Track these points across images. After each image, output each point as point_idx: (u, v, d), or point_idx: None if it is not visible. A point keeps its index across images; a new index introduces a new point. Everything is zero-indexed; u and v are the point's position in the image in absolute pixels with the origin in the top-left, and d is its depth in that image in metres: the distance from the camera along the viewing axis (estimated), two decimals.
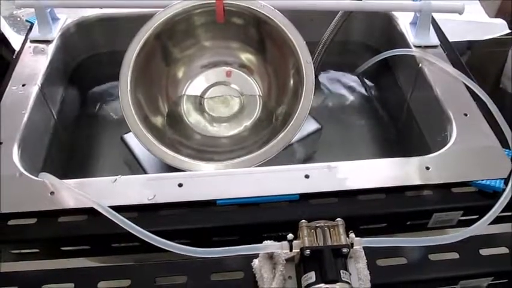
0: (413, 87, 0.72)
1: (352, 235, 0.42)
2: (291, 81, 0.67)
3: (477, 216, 0.54)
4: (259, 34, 0.69)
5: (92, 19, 0.76)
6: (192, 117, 0.73)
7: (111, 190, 0.51)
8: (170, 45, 0.70)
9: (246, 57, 0.73)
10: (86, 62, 0.80)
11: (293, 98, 0.66)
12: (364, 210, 0.52)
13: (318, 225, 0.41)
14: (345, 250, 0.40)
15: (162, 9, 0.66)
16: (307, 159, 0.77)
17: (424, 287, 0.48)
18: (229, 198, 0.51)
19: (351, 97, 0.84)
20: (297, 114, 0.62)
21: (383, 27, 0.80)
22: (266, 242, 0.43)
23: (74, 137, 0.76)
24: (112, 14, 0.77)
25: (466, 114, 0.61)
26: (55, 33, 0.72)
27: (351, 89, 0.84)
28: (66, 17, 0.75)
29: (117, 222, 0.47)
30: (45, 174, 0.53)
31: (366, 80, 0.84)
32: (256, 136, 0.69)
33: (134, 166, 0.70)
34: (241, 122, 0.72)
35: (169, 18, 0.65)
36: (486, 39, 0.97)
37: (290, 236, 0.42)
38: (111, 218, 0.47)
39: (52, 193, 0.51)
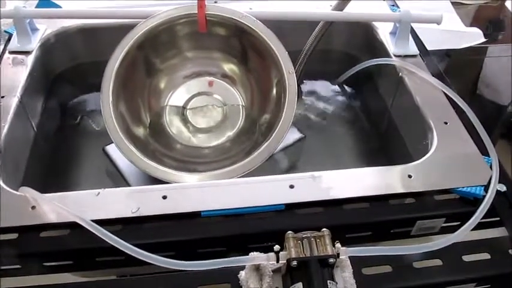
0: (394, 96, 0.74)
1: (338, 245, 0.42)
2: (274, 92, 0.67)
3: (459, 223, 0.55)
4: (241, 44, 0.70)
5: (72, 29, 0.75)
6: (175, 128, 0.72)
7: (94, 203, 0.51)
8: (152, 56, 0.69)
9: (229, 67, 0.73)
10: (66, 72, 0.79)
11: (276, 108, 0.66)
12: (349, 219, 0.52)
13: (304, 236, 0.41)
14: (331, 260, 0.40)
15: (144, 19, 0.66)
16: (291, 169, 0.78)
17: None
18: (214, 210, 0.51)
19: (332, 106, 0.85)
20: (280, 124, 0.62)
21: (364, 37, 0.81)
22: (253, 254, 0.43)
23: (54, 149, 0.75)
24: (92, 24, 0.76)
25: (446, 123, 0.63)
26: (34, 44, 0.71)
27: (332, 97, 0.85)
28: (46, 28, 0.74)
29: (101, 236, 0.46)
30: (26, 188, 0.51)
31: (347, 89, 0.85)
32: (240, 146, 0.69)
33: (117, 178, 0.69)
34: (225, 132, 0.72)
35: (151, 28, 0.65)
36: (463, 48, 1.00)
37: (277, 247, 0.42)
38: (94, 232, 0.46)
39: (33, 207, 0.50)
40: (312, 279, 0.38)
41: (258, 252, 0.44)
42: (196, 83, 0.74)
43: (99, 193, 0.51)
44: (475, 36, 1.02)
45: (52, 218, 0.49)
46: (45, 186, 0.69)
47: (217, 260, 0.43)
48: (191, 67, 0.72)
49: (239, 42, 0.70)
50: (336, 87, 0.84)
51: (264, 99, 0.70)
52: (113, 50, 0.65)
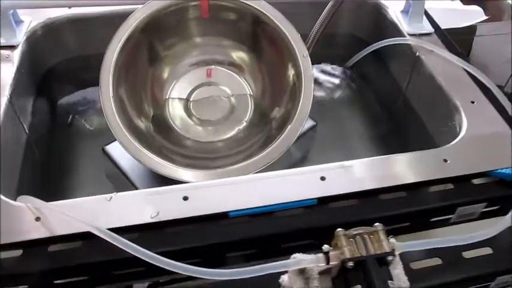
0: (410, 77, 0.70)
1: (392, 240, 0.38)
2: (288, 78, 0.62)
3: (498, 207, 0.52)
4: (252, 29, 0.64)
5: (61, 20, 0.69)
6: (180, 122, 0.67)
7: (107, 210, 0.45)
8: (156, 42, 0.63)
9: (238, 55, 0.68)
10: (56, 68, 0.72)
11: (291, 96, 0.61)
12: (387, 210, 0.48)
13: (356, 232, 0.37)
14: (389, 258, 0.36)
15: (140, 5, 0.60)
16: (303, 159, 0.73)
17: (461, 286, 0.45)
18: (243, 209, 0.46)
19: (341, 91, 0.81)
20: (298, 111, 0.58)
21: (372, 18, 0.77)
22: (297, 256, 0.38)
23: (48, 152, 0.69)
24: (82, 14, 0.69)
25: (473, 102, 0.59)
26: (20, 38, 0.64)
27: (342, 82, 0.81)
28: (31, 19, 0.67)
29: (119, 246, 0.41)
30: (26, 197, 0.45)
31: (356, 73, 0.81)
32: (251, 139, 0.64)
33: (119, 180, 0.63)
34: (233, 124, 0.67)
35: (156, 10, 0.59)
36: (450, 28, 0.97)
37: (326, 247, 0.37)
38: (111, 241, 0.41)
39: (38, 219, 0.44)
40: (372, 281, 0.34)
41: (301, 254, 0.39)
42: (201, 72, 0.68)
43: (111, 198, 0.46)
44: (475, 15, 0.99)
45: (61, 229, 0.43)
46: (42, 194, 0.63)
47: (259, 266, 0.38)
48: (197, 55, 0.67)
49: (250, 27, 0.64)
50: (345, 71, 0.80)
51: (277, 88, 0.65)
52: (107, 41, 0.58)
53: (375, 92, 0.80)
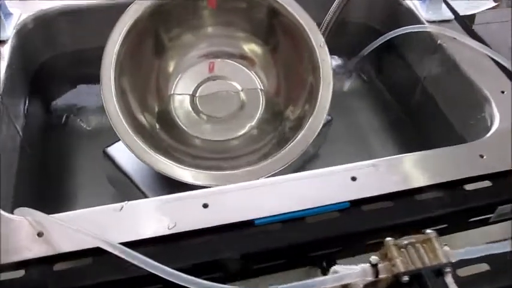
0: (430, 66, 0.66)
1: (446, 248, 0.34)
2: (304, 72, 0.58)
3: None
4: (264, 19, 0.60)
5: (53, 12, 0.63)
6: (187, 119, 0.62)
7: (118, 221, 0.40)
8: (161, 32, 0.58)
9: (250, 47, 0.63)
10: (49, 63, 0.67)
11: (308, 89, 0.57)
12: (424, 212, 0.44)
13: (407, 242, 0.33)
14: (447, 270, 0.32)
15: None
16: (315, 156, 0.69)
17: None
18: (270, 216, 0.41)
19: (355, 83, 0.77)
20: (317, 105, 0.53)
21: (385, 6, 0.73)
22: (338, 269, 0.34)
23: (44, 156, 0.64)
24: (76, 5, 0.64)
25: (503, 92, 0.55)
26: (9, 32, 0.58)
27: (355, 74, 0.77)
28: (21, 12, 0.61)
29: (134, 262, 0.36)
30: (25, 210, 0.40)
31: (369, 64, 0.77)
32: (265, 137, 0.60)
33: (122, 183, 0.58)
34: (244, 121, 0.62)
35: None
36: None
37: (374, 258, 0.33)
38: (125, 257, 0.36)
39: (40, 234, 0.39)
40: None
41: (342, 266, 0.35)
42: (207, 66, 0.63)
43: (122, 208, 0.41)
44: (483, 2, 0.96)
45: (67, 245, 0.38)
46: (39, 203, 0.58)
47: (297, 283, 0.33)
48: (205, 46, 0.61)
49: (263, 17, 0.59)
50: (358, 63, 0.76)
51: (292, 83, 0.60)
52: (103, 34, 0.53)
53: (390, 83, 0.76)
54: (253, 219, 0.41)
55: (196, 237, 0.40)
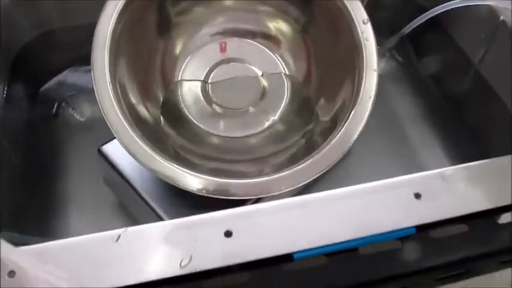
0: (487, 48, 0.55)
1: None
2: (342, 54, 0.47)
3: None
4: None
5: None
6: (197, 112, 0.51)
7: (115, 256, 0.31)
8: (166, 5, 0.47)
9: (276, 25, 0.51)
10: (33, 44, 0.56)
11: (348, 78, 0.46)
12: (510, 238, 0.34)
13: None
14: None
15: None
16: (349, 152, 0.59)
17: None
18: (311, 248, 0.31)
19: (389, 65, 0.66)
20: (360, 97, 0.43)
21: None
22: None
23: (29, 153, 0.54)
24: None
25: None
26: None
27: (388, 55, 0.66)
28: None
29: None
30: None
31: (407, 44, 0.66)
32: (293, 134, 0.49)
33: (120, 185, 0.49)
34: (266, 114, 0.52)
35: None
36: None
37: None
38: None
39: (11, 273, 0.29)
40: None
41: None
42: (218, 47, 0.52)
43: (119, 237, 0.31)
44: None
45: None
46: (23, 212, 0.49)
47: None
48: (220, 23, 0.50)
49: None
50: (399, 43, 0.65)
51: (326, 67, 0.50)
52: (96, 9, 0.43)
53: (431, 67, 0.65)
54: (292, 253, 0.31)
55: (218, 277, 0.30)
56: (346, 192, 0.35)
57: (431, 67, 0.66)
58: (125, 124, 0.40)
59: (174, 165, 0.40)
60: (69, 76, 0.62)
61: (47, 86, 0.62)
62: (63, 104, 0.62)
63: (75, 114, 0.62)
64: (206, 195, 0.39)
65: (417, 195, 0.34)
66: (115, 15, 0.42)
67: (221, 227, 0.32)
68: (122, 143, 0.40)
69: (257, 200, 0.42)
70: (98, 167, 0.50)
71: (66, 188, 0.56)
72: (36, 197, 0.53)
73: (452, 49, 0.61)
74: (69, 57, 0.59)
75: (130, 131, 0.40)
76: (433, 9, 0.57)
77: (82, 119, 0.62)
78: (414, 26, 0.60)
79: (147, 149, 0.40)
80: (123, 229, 0.31)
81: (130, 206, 0.52)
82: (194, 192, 0.39)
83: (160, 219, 0.45)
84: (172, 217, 0.44)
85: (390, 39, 0.63)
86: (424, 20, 0.59)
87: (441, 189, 0.35)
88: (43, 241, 0.31)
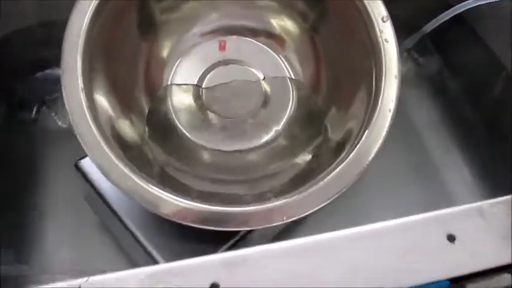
0: None
1: None
2: (357, 57, 0.40)
3: None
4: None
5: None
6: (189, 121, 0.45)
7: None
8: (150, 1, 0.41)
9: (280, 23, 0.45)
10: (9, 40, 0.50)
11: (363, 84, 0.40)
12: None
13: None
14: None
15: None
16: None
17: None
18: None
19: (407, 66, 0.60)
20: (378, 107, 0.37)
21: None
22: None
23: (1, 165, 0.48)
24: None
25: None
26: None
27: (406, 55, 0.60)
28: None
29: None
30: None
31: (431, 44, 0.59)
32: (299, 149, 0.43)
33: (102, 206, 0.43)
34: (269, 124, 0.46)
35: None
36: None
37: None
38: None
39: None
40: None
41: None
42: (215, 46, 0.46)
43: None
44: None
45: None
46: None
47: None
48: (215, 20, 0.44)
49: None
50: (420, 41, 0.58)
51: (338, 72, 0.43)
52: None
53: (455, 70, 0.59)
54: None
55: None
56: (358, 232, 0.28)
57: (455, 69, 0.59)
58: (98, 137, 0.34)
59: (155, 187, 0.33)
60: (50, 76, 0.56)
61: (25, 86, 0.56)
62: (44, 107, 0.56)
63: (56, 120, 0.56)
64: (193, 225, 0.33)
65: (451, 238, 0.28)
66: (89, 13, 0.36)
67: (207, 278, 0.25)
68: (92, 159, 0.34)
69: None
70: (77, 183, 0.44)
71: (44, 203, 0.50)
72: (9, 213, 0.47)
73: (480, 49, 0.54)
74: (47, 55, 0.53)
75: (104, 145, 0.34)
76: (460, 4, 0.51)
77: (64, 126, 0.56)
78: (437, 24, 0.54)
79: (122, 166, 0.34)
80: (85, 279, 0.25)
81: (110, 227, 0.46)
82: (179, 222, 0.33)
83: (142, 246, 0.39)
84: (156, 244, 0.39)
85: (409, 38, 0.56)
86: (448, 17, 0.52)
87: (479, 230, 0.28)
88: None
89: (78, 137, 0.35)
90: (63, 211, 0.50)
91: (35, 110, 0.56)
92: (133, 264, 0.46)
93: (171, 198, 0.33)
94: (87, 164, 0.42)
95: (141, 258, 0.40)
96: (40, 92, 0.56)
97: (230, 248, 0.37)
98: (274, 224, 0.34)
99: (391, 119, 0.36)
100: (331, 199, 0.34)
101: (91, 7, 0.36)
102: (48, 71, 0.57)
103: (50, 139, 0.55)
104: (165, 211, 0.33)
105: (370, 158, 0.36)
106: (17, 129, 0.54)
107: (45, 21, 0.52)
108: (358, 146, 0.36)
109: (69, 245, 0.48)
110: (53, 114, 0.56)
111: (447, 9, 0.52)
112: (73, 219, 0.49)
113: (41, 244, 0.48)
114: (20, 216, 0.49)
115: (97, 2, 0.36)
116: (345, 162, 0.35)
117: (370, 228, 0.28)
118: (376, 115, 0.36)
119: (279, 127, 0.45)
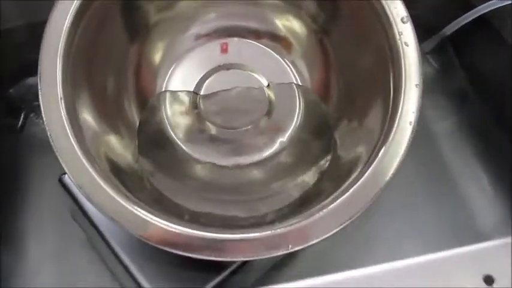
0: None
1: None
2: (373, 62, 0.36)
3: None
4: None
5: None
6: (185, 132, 0.41)
7: None
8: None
9: (286, 23, 0.40)
10: None
11: (380, 93, 0.35)
12: None
13: None
14: None
15: None
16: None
17: None
18: None
19: (426, 73, 0.55)
20: (397, 120, 0.32)
21: None
22: None
23: None
24: None
25: None
26: None
27: (426, 61, 0.55)
28: None
29: None
30: None
31: (451, 47, 0.55)
32: (306, 164, 0.39)
33: (84, 224, 0.39)
34: (273, 135, 0.41)
35: None
36: None
37: None
38: None
39: None
40: None
41: None
42: (218, 49, 0.42)
43: None
44: None
45: None
46: None
47: None
48: (213, 19, 0.40)
49: None
50: (439, 45, 0.53)
51: (351, 79, 0.39)
52: None
53: (476, 75, 0.54)
54: None
55: None
56: (384, 270, 0.24)
57: (476, 75, 0.54)
58: (79, 153, 0.30)
59: (142, 210, 0.29)
60: (36, 80, 0.52)
61: (11, 91, 0.52)
62: (32, 114, 0.53)
63: (45, 128, 0.52)
64: (183, 254, 0.29)
65: (488, 279, 0.23)
66: (70, 15, 0.32)
67: None
68: (72, 178, 0.30)
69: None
70: (63, 196, 0.40)
71: (27, 220, 0.46)
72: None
73: (505, 54, 0.49)
74: (35, 58, 0.49)
75: (85, 163, 0.30)
76: (483, 5, 0.46)
77: None
78: (458, 26, 0.49)
79: (105, 186, 0.30)
80: None
81: (96, 246, 0.42)
82: (168, 250, 0.29)
83: (128, 272, 0.35)
84: (143, 270, 0.35)
85: (428, 41, 0.52)
86: (471, 18, 0.48)
87: None
88: None
89: (56, 153, 0.31)
90: (47, 228, 0.46)
91: (22, 116, 0.52)
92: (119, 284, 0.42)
93: (159, 222, 0.29)
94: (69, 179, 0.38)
95: (127, 280, 0.36)
96: (28, 98, 0.53)
97: (224, 280, 0.32)
98: (277, 254, 0.29)
99: (411, 133, 0.32)
100: (343, 225, 0.30)
101: (73, 7, 0.32)
102: (34, 78, 0.53)
103: (36, 148, 0.51)
104: (152, 238, 0.29)
105: (388, 178, 0.31)
106: (2, 136, 0.50)
107: (28, 22, 0.48)
108: (373, 164, 0.31)
109: (55, 264, 0.45)
110: (41, 121, 0.53)
111: (469, 10, 0.48)
112: (58, 235, 0.46)
113: (23, 262, 0.45)
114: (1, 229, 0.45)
115: (80, 1, 0.32)
116: (358, 183, 0.31)
117: (389, 266, 0.24)
118: (394, 129, 0.32)
119: (284, 138, 0.41)
